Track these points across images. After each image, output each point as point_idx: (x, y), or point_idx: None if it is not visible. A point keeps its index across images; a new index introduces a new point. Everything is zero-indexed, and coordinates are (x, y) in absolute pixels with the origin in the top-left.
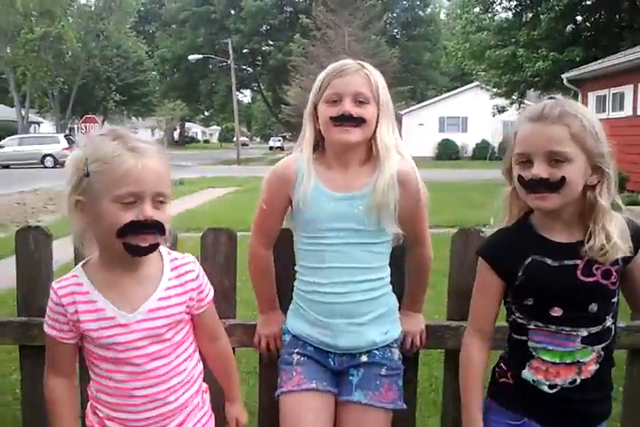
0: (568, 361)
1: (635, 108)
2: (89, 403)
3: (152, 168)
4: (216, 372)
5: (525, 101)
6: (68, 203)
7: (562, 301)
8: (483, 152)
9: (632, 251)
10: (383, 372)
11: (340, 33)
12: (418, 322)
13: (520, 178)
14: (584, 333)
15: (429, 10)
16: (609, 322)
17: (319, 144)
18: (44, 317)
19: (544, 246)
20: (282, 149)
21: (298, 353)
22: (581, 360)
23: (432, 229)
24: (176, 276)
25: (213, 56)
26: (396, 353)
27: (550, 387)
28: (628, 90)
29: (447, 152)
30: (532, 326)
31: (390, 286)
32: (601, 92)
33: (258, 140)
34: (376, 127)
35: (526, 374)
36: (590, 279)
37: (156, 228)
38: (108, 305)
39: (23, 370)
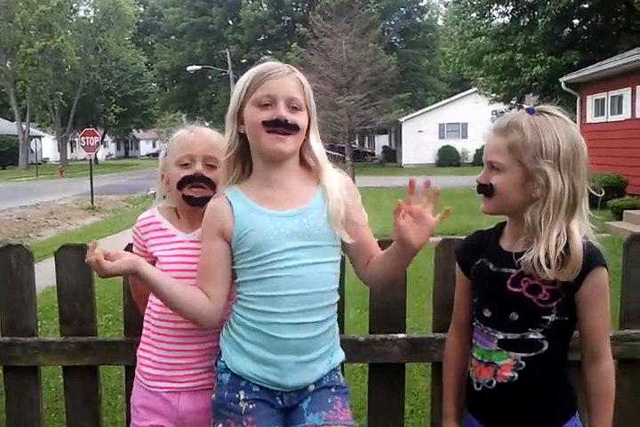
0: (486, 360)
1: (633, 111)
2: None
3: (202, 139)
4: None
5: (524, 106)
6: (159, 178)
7: (491, 304)
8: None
9: (575, 277)
10: (333, 390)
11: (338, 41)
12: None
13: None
14: (500, 336)
15: (427, 16)
16: (533, 335)
17: (241, 156)
18: (27, 337)
19: (493, 251)
20: None
21: (245, 400)
22: (496, 362)
23: (434, 237)
24: None
25: (212, 67)
26: (341, 377)
27: (477, 385)
28: (626, 93)
29: (448, 159)
30: (474, 324)
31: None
32: (599, 96)
33: None
34: (307, 136)
35: (469, 370)
36: (515, 290)
37: (205, 182)
38: (171, 227)
39: (7, 391)
